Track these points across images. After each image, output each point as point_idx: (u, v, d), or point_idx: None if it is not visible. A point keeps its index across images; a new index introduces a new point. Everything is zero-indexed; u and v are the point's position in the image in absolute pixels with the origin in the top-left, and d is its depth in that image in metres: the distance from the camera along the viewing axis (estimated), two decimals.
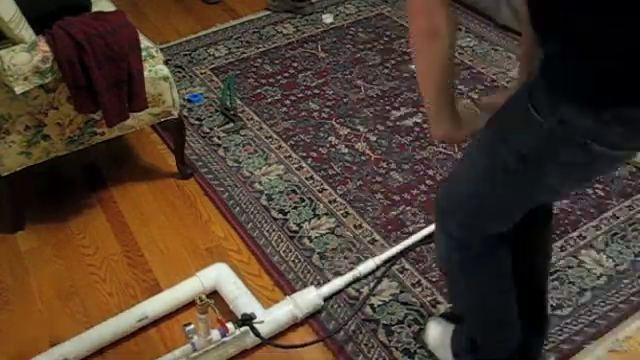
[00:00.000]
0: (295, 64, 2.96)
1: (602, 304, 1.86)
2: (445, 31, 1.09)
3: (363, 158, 2.41)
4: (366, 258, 2.00)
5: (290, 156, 2.44)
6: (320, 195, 2.26)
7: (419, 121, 2.59)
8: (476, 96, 2.71)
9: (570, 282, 1.92)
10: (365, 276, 1.95)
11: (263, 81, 2.86)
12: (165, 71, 2.11)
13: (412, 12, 1.11)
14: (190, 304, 1.86)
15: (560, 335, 1.78)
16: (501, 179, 1.25)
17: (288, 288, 1.94)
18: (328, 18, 3.30)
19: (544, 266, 1.60)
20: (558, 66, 1.09)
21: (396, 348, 1.76)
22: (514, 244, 1.42)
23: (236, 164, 2.41)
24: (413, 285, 1.94)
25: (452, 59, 1.15)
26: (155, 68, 2.09)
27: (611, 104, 1.04)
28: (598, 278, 1.94)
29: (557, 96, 1.09)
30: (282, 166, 2.39)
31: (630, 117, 1.05)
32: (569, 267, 1.97)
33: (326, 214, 2.18)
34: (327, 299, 1.89)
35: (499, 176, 1.25)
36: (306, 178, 2.33)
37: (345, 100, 2.72)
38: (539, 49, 1.14)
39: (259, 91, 2.80)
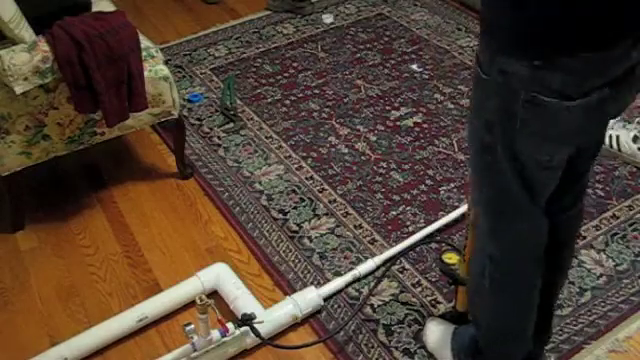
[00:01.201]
0: (295, 64, 2.96)
1: (602, 304, 1.86)
2: None
3: (363, 158, 2.41)
4: (366, 258, 2.00)
5: (290, 156, 2.44)
6: (320, 195, 2.26)
7: (419, 121, 2.59)
8: None
9: (570, 282, 1.92)
10: (365, 276, 1.95)
11: (263, 81, 2.86)
12: (165, 71, 2.11)
13: None
14: (190, 304, 1.85)
15: (560, 335, 1.78)
16: (486, 160, 1.24)
17: (288, 288, 1.94)
18: (328, 18, 3.30)
19: (561, 282, 1.59)
20: (489, 19, 1.11)
21: (396, 348, 1.76)
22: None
23: (236, 164, 2.41)
24: (413, 285, 1.94)
25: None
26: (155, 68, 2.09)
27: (539, 50, 1.05)
28: (598, 278, 1.94)
29: (492, 48, 1.12)
30: (282, 166, 2.39)
31: (564, 64, 1.05)
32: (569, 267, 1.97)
33: (326, 214, 2.18)
34: (327, 299, 1.89)
35: (483, 157, 1.25)
36: (306, 178, 2.33)
37: (345, 100, 2.72)
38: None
39: (259, 91, 2.80)
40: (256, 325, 1.68)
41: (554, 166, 1.24)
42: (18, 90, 1.84)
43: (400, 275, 1.97)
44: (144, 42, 2.09)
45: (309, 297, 1.83)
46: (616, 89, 1.11)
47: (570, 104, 1.10)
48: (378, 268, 1.97)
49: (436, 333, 1.72)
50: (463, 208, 2.09)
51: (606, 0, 1.01)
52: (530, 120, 1.13)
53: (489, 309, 1.49)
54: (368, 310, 1.87)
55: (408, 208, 2.19)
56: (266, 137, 2.53)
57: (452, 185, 2.28)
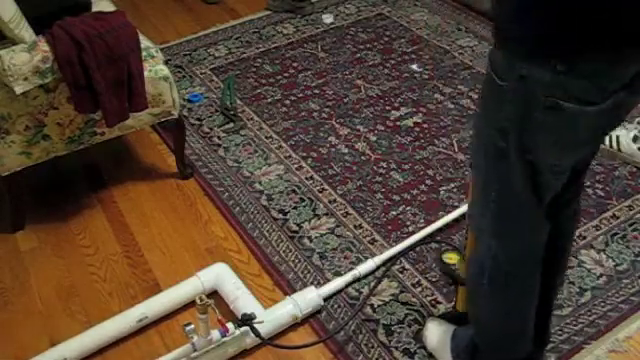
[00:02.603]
0: (295, 64, 2.96)
1: (602, 304, 1.86)
2: None
3: (363, 158, 2.41)
4: (366, 258, 2.00)
5: (290, 156, 2.44)
6: (320, 195, 2.26)
7: (419, 121, 2.59)
8: (476, 96, 2.70)
9: (570, 282, 1.92)
10: (365, 276, 1.95)
11: (263, 81, 2.86)
12: (165, 71, 2.11)
13: None
14: (190, 304, 1.85)
15: (560, 335, 1.78)
16: (498, 166, 1.23)
17: (288, 288, 1.94)
18: (328, 18, 3.30)
19: (559, 283, 1.59)
20: (506, 24, 1.09)
21: (396, 348, 1.76)
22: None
23: (236, 164, 2.41)
24: (413, 285, 1.94)
25: None
26: (155, 68, 2.09)
27: (562, 55, 1.04)
28: (598, 278, 1.94)
29: (510, 54, 1.10)
30: (282, 166, 2.39)
31: (586, 69, 1.05)
32: (569, 267, 1.97)
33: (326, 214, 2.18)
34: (327, 299, 1.89)
35: (495, 163, 1.24)
36: (306, 178, 2.33)
37: (345, 100, 2.72)
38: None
39: (259, 91, 2.80)
40: (256, 325, 1.68)
41: (563, 170, 1.25)
42: (18, 90, 1.84)
43: (400, 275, 1.97)
44: (144, 42, 2.09)
45: (309, 297, 1.83)
46: (630, 91, 1.11)
47: (590, 109, 1.10)
48: (378, 268, 1.97)
49: (436, 333, 1.72)
50: (463, 208, 2.09)
51: (626, 2, 1.01)
52: (549, 126, 1.13)
53: (489, 310, 1.49)
54: (368, 310, 1.87)
55: (408, 208, 2.19)
56: (266, 137, 2.53)
57: (452, 185, 2.28)
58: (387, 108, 2.66)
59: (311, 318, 1.85)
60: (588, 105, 1.09)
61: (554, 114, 1.10)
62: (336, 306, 1.88)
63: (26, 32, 1.88)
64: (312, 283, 1.94)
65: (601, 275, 1.95)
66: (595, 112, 1.10)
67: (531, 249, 1.37)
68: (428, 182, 2.29)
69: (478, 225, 1.41)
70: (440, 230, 2.09)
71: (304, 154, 2.44)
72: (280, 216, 2.18)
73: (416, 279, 1.95)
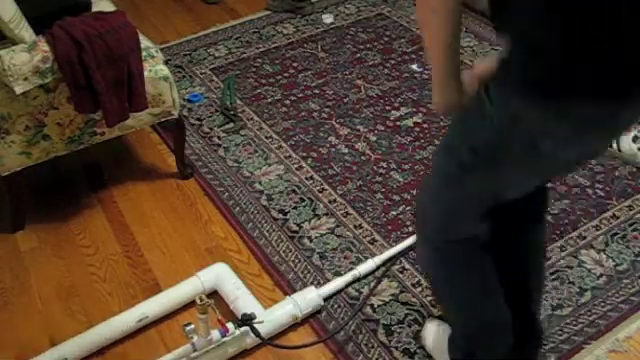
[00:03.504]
0: (295, 64, 2.96)
1: (602, 304, 1.86)
2: (444, 7, 1.06)
3: (363, 158, 2.41)
4: (366, 258, 2.00)
5: (290, 156, 2.44)
6: (320, 195, 2.26)
7: (419, 121, 2.59)
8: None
9: (570, 282, 1.92)
10: (365, 276, 1.95)
11: (263, 81, 2.86)
12: (165, 71, 2.11)
13: None
14: (190, 304, 1.86)
15: (560, 335, 1.78)
16: (460, 176, 1.27)
17: (288, 288, 1.94)
18: (328, 18, 3.30)
19: (536, 287, 1.60)
20: (510, 59, 1.10)
21: (396, 348, 1.76)
22: (507, 244, 1.43)
23: (236, 164, 2.41)
24: (413, 285, 1.94)
25: (458, 31, 1.12)
26: (155, 68, 2.09)
27: (557, 97, 1.05)
28: (598, 278, 1.94)
29: (507, 88, 1.10)
30: (282, 166, 2.39)
31: (576, 114, 1.05)
32: (569, 267, 1.97)
33: (326, 214, 2.18)
34: (327, 299, 1.89)
35: (457, 173, 1.27)
36: (306, 178, 2.33)
37: (345, 100, 2.72)
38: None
39: (259, 91, 2.80)
40: (256, 325, 1.69)
41: (527, 190, 1.29)
42: (18, 90, 1.84)
43: (400, 275, 1.97)
44: (144, 42, 2.09)
45: (309, 297, 1.83)
46: (612, 132, 1.17)
47: (566, 155, 1.14)
48: (378, 268, 1.97)
49: (435, 334, 1.72)
50: None
51: (630, 52, 1.00)
52: (524, 160, 1.16)
53: (453, 305, 1.53)
54: (368, 310, 1.87)
55: (408, 208, 2.19)
56: (266, 137, 2.53)
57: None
58: (387, 108, 2.67)
59: (311, 318, 1.85)
60: (565, 150, 1.13)
61: (532, 152, 1.13)
62: (336, 306, 1.88)
63: (26, 32, 1.88)
64: (312, 283, 1.94)
65: (601, 275, 1.95)
66: (574, 152, 1.15)
67: (474, 243, 1.40)
68: None
69: (421, 214, 1.44)
70: None
71: (304, 154, 2.44)
72: (280, 216, 2.18)
73: (416, 279, 1.95)
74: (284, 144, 2.49)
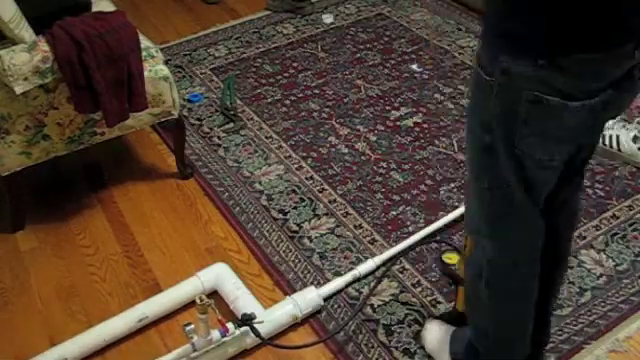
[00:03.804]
0: (295, 64, 2.96)
1: (602, 304, 1.86)
2: None
3: (363, 158, 2.41)
4: (366, 258, 2.00)
5: (290, 156, 2.44)
6: (320, 195, 2.26)
7: (419, 121, 2.59)
8: None
9: (570, 282, 1.92)
10: (365, 276, 1.95)
11: (263, 81, 2.86)
12: (165, 71, 2.11)
13: None
14: (190, 304, 1.85)
15: (560, 335, 1.78)
16: (487, 161, 1.24)
17: (288, 288, 1.94)
18: (328, 18, 3.30)
19: (559, 282, 1.59)
20: (492, 20, 1.11)
21: (396, 348, 1.76)
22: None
23: (236, 164, 2.41)
24: (413, 285, 1.94)
25: None
26: (155, 68, 2.09)
27: (542, 50, 1.05)
28: (598, 278, 1.94)
29: (494, 48, 1.11)
30: (282, 166, 2.39)
31: (568, 65, 1.05)
32: (569, 267, 1.96)
33: (326, 214, 2.18)
34: (327, 299, 1.89)
35: (484, 158, 1.24)
36: (306, 178, 2.33)
37: (345, 100, 2.72)
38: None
39: (259, 91, 2.80)
40: (256, 325, 1.68)
41: (554, 166, 1.24)
42: (18, 90, 1.84)
43: (400, 275, 1.97)
44: (144, 42, 2.09)
45: (309, 297, 1.83)
46: (618, 91, 1.11)
47: (573, 104, 1.10)
48: (378, 268, 1.97)
49: (435, 334, 1.72)
50: (463, 208, 2.08)
51: (610, 2, 1.01)
52: (533, 119, 1.13)
53: (488, 314, 1.48)
54: (368, 310, 1.87)
55: (408, 208, 2.19)
56: (266, 137, 2.53)
57: (452, 185, 2.28)
58: (387, 108, 2.66)
59: (311, 318, 1.85)
60: (572, 100, 1.09)
61: (537, 107, 1.11)
62: (336, 306, 1.88)
63: (26, 32, 1.88)
64: (312, 283, 1.94)
65: (601, 275, 1.95)
66: (579, 107, 1.10)
67: (528, 250, 1.36)
68: (428, 182, 2.29)
69: (473, 226, 1.40)
70: (440, 230, 2.09)
71: (304, 154, 2.44)
72: (280, 216, 2.18)
73: (416, 279, 1.95)
74: (284, 144, 2.49)
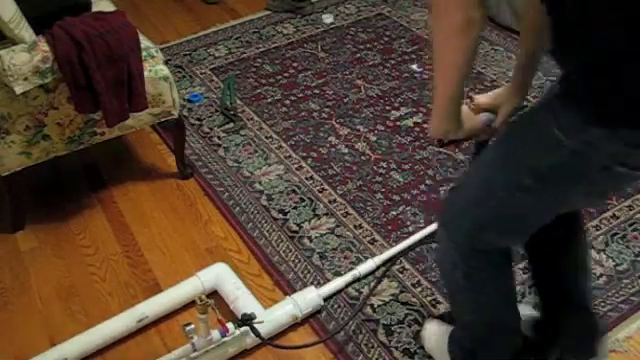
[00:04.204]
0: (295, 64, 2.96)
1: (602, 304, 1.86)
2: (481, 19, 1.06)
3: (363, 158, 2.41)
4: (366, 258, 2.00)
5: (290, 156, 2.44)
6: (320, 195, 2.26)
7: (419, 121, 2.59)
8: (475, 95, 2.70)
9: None
10: (365, 276, 1.95)
11: (263, 81, 2.86)
12: (165, 71, 2.11)
13: (445, 7, 1.09)
14: (190, 304, 1.86)
15: None
16: (515, 196, 1.21)
17: (288, 288, 1.94)
18: (328, 18, 3.30)
19: (584, 280, 1.58)
20: (587, 86, 1.05)
21: (396, 348, 1.76)
22: (548, 260, 1.42)
23: (236, 164, 2.41)
24: (413, 285, 1.94)
25: (471, 65, 1.13)
26: (155, 68, 2.09)
27: (629, 122, 1.02)
28: (598, 278, 1.94)
29: (587, 117, 1.06)
30: (282, 166, 2.39)
31: None
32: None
33: (326, 214, 2.18)
34: (327, 299, 1.89)
35: (513, 193, 1.22)
36: (306, 178, 2.33)
37: (345, 100, 2.72)
38: (560, 67, 1.12)
39: (259, 91, 2.80)
40: (256, 325, 1.68)
41: (585, 207, 1.28)
42: (18, 90, 1.84)
43: (400, 275, 1.97)
44: (144, 42, 2.09)
45: (309, 297, 1.83)
46: None
47: (637, 174, 1.12)
48: (378, 268, 1.97)
49: (434, 334, 1.72)
50: None
51: None
52: (596, 183, 1.14)
53: (468, 305, 1.49)
54: (368, 310, 1.87)
55: (408, 208, 2.19)
56: (266, 137, 2.53)
57: (452, 185, 2.27)
58: (387, 108, 2.67)
59: (311, 318, 1.85)
60: (638, 170, 1.11)
61: (604, 174, 1.11)
62: (336, 306, 1.88)
63: (26, 32, 1.88)
64: (312, 283, 1.94)
65: (601, 275, 1.95)
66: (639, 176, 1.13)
67: (504, 251, 1.38)
68: (428, 182, 2.29)
69: (453, 218, 1.37)
70: None
71: (304, 154, 2.44)
72: (280, 216, 2.18)
73: (416, 279, 1.95)
74: (284, 144, 2.49)
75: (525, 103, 1.45)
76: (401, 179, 2.31)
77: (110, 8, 2.20)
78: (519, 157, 1.21)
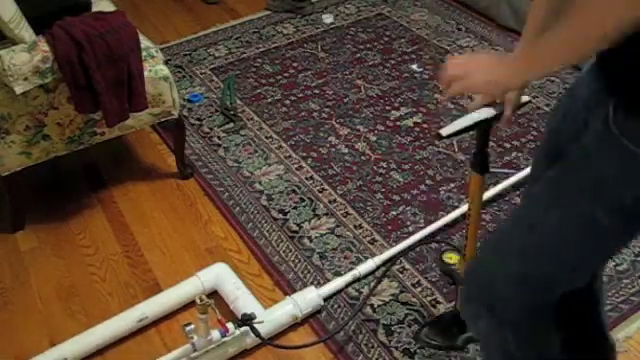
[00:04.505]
0: (295, 64, 2.96)
1: None
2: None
3: (363, 158, 2.41)
4: (366, 258, 2.00)
5: (290, 156, 2.44)
6: (320, 195, 2.26)
7: (419, 121, 2.59)
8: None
9: None
10: (365, 276, 1.95)
11: (263, 81, 2.86)
12: (165, 71, 2.11)
13: None
14: (190, 304, 1.86)
15: None
16: (586, 238, 1.06)
17: (288, 288, 1.94)
18: (328, 18, 3.30)
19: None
20: None
21: (396, 348, 1.76)
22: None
23: (236, 164, 2.41)
24: (413, 285, 1.94)
25: None
26: (155, 68, 2.09)
27: None
28: None
29: None
30: (282, 166, 2.39)
31: None
32: None
33: (326, 214, 2.18)
34: (327, 299, 1.89)
35: (584, 234, 1.06)
36: (306, 178, 2.33)
37: (345, 100, 2.72)
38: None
39: (259, 91, 2.80)
40: (256, 325, 1.68)
41: None
42: (18, 90, 1.84)
43: (400, 275, 1.97)
44: (144, 42, 2.09)
45: (309, 297, 1.83)
46: None
47: None
48: (378, 268, 1.97)
49: None
50: (463, 208, 2.09)
51: None
52: None
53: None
54: (368, 310, 1.87)
55: (408, 208, 2.19)
56: (266, 137, 2.53)
57: (452, 185, 2.28)
58: (387, 108, 2.67)
59: (311, 318, 1.85)
60: None
61: None
62: (336, 306, 1.88)
63: (26, 32, 1.88)
64: (312, 283, 1.94)
65: None
66: None
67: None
68: (428, 182, 2.29)
69: (507, 288, 1.17)
70: (440, 230, 2.08)
71: (304, 154, 2.44)
72: (280, 216, 2.18)
73: (416, 279, 1.95)
74: (284, 144, 2.49)
75: (528, 99, 1.44)
76: (401, 179, 2.31)
77: (110, 8, 2.20)
78: (584, 193, 1.04)
